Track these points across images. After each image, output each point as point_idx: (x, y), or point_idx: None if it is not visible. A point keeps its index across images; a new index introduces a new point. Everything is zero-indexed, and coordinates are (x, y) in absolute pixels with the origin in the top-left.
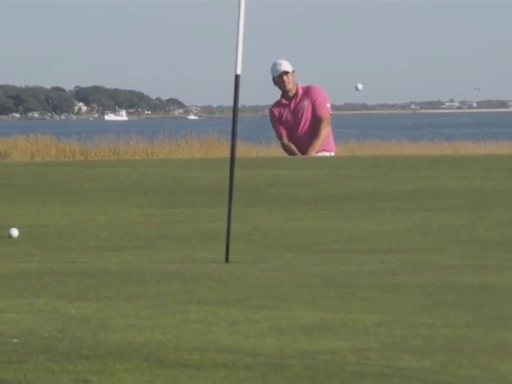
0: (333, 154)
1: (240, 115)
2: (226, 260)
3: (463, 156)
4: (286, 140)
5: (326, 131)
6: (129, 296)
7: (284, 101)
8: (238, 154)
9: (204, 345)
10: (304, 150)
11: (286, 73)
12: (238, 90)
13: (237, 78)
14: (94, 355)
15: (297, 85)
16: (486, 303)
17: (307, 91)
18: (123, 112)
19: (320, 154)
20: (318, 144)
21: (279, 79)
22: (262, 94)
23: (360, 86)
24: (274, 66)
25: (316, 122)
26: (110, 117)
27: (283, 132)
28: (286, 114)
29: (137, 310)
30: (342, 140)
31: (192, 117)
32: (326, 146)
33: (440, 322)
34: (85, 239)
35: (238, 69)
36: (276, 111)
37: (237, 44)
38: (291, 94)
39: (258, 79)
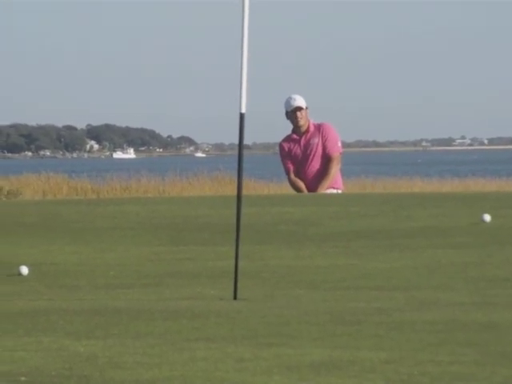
0: (340, 191)
1: (251, 152)
2: (235, 297)
3: (472, 193)
4: (293, 176)
5: (335, 170)
6: (137, 333)
7: (295, 136)
8: (249, 191)
9: (211, 382)
10: (311, 187)
11: (300, 108)
12: (243, 128)
13: (241, 116)
14: None
15: (309, 121)
16: (494, 340)
17: (319, 128)
18: (131, 150)
19: (328, 191)
20: (327, 183)
21: (292, 114)
22: (272, 132)
23: (487, 218)
24: (289, 100)
25: (326, 160)
26: (118, 155)
27: (291, 167)
28: (296, 149)
29: (145, 348)
30: (352, 177)
31: (199, 154)
32: (333, 184)
33: (447, 359)
34: (94, 277)
35: (242, 107)
36: (286, 146)
37: (241, 82)
38: (303, 129)
39: (269, 116)
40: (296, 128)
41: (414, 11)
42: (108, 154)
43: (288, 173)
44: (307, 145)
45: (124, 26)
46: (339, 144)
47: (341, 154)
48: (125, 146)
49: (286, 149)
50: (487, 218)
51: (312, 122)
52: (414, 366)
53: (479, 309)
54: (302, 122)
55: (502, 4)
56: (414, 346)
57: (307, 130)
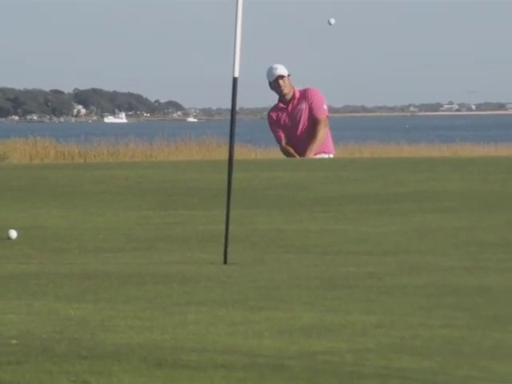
0: (331, 155)
1: (238, 117)
2: (225, 261)
3: (461, 158)
4: (284, 143)
5: (323, 133)
6: (127, 297)
7: (281, 104)
8: (237, 156)
9: (202, 345)
10: (302, 152)
11: (282, 77)
12: (235, 92)
13: (234, 80)
14: (92, 356)
15: (293, 88)
16: (485, 304)
17: (304, 94)
18: (123, 114)
19: (319, 156)
20: (315, 146)
21: (275, 83)
22: (260, 97)
23: (332, 21)
24: (270, 70)
25: (313, 123)
26: (109, 119)
27: (282, 135)
28: (284, 117)
29: (135, 312)
30: (341, 142)
31: (191, 119)
32: (324, 148)
33: (439, 323)
34: (83, 241)
35: (235, 71)
36: (274, 115)
37: (234, 47)
38: (288, 97)
39: (257, 81)
40: (281, 96)
41: None
42: (95, 118)
43: (279, 141)
44: (295, 111)
45: None
46: (325, 107)
47: (328, 116)
48: (116, 110)
49: (275, 118)
50: (332, 20)
51: (297, 88)
52: (405, 330)
53: (470, 273)
54: (286, 90)
55: None
56: (405, 310)
57: (293, 97)
